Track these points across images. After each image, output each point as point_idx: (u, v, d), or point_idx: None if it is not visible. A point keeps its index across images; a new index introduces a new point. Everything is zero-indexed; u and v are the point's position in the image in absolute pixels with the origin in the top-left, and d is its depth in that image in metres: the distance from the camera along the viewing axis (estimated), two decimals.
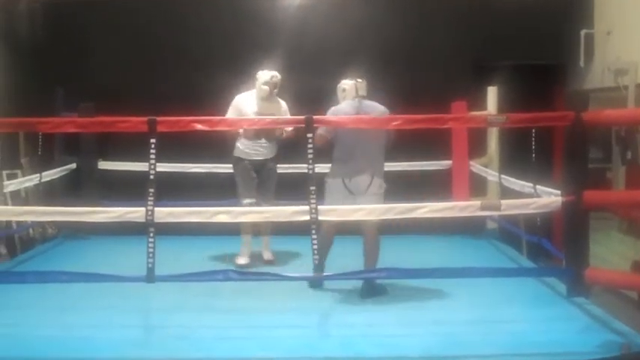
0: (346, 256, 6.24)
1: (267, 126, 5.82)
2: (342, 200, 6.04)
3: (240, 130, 7.05)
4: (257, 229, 7.35)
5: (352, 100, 6.40)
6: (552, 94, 9.53)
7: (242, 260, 7.38)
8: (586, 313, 5.61)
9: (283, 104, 7.23)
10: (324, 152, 6.14)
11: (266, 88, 7.00)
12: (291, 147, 6.92)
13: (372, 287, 6.15)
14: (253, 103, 7.10)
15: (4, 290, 6.04)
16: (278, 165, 7.46)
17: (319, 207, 5.33)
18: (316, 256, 5.38)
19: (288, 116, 7.01)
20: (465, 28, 9.18)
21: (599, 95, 8.51)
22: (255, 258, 7.49)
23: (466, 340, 5.06)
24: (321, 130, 6.13)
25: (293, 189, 6.31)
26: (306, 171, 5.28)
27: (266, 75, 7.03)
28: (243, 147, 7.23)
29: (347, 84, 6.51)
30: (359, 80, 6.46)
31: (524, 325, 5.40)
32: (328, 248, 6.38)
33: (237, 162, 7.30)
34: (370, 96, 6.49)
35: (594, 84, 8.93)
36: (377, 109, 6.33)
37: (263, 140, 7.17)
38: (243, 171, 7.24)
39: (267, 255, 7.51)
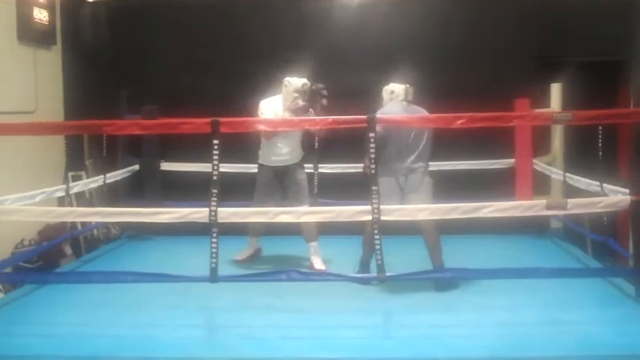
0: (396, 256, 6.19)
1: (328, 126, 5.82)
2: (393, 199, 6.07)
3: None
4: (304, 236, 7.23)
5: (400, 103, 6.47)
6: (617, 91, 9.35)
7: (239, 256, 7.46)
8: None
9: (310, 110, 7.17)
10: None
11: (297, 95, 6.97)
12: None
13: (445, 284, 6.20)
14: (280, 107, 7.00)
15: (69, 290, 6.17)
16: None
17: (382, 207, 5.32)
18: (379, 256, 5.37)
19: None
20: (528, 25, 9.02)
21: None
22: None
23: (532, 341, 4.98)
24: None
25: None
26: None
27: (298, 82, 6.93)
28: (265, 153, 7.18)
29: (397, 87, 6.56)
30: (409, 86, 6.53)
31: (592, 326, 5.29)
32: (372, 248, 6.41)
33: (260, 168, 7.24)
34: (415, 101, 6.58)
35: None
36: (423, 113, 6.42)
37: (283, 146, 7.07)
38: (263, 178, 7.19)
39: (317, 263, 7.16)
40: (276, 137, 7.00)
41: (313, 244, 7.18)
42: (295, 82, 6.93)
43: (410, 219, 5.65)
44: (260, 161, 7.25)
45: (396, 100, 6.51)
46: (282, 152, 7.10)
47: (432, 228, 6.24)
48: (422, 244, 6.33)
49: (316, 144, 7.90)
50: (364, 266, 6.55)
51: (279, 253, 7.73)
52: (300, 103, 6.85)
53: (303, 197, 7.13)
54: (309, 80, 6.97)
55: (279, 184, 7.17)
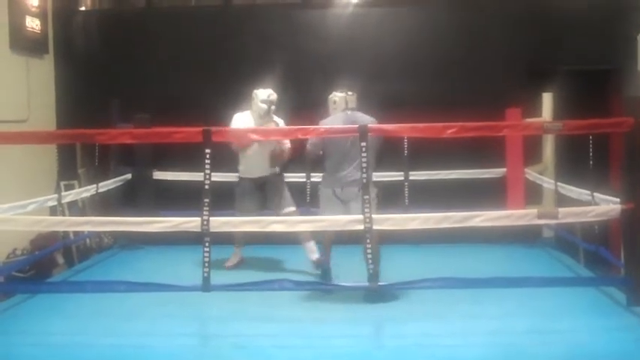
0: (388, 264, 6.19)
1: (320, 135, 5.84)
2: (335, 209, 6.09)
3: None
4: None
5: (342, 112, 6.41)
6: (608, 100, 9.38)
7: (229, 262, 7.56)
8: None
9: (280, 122, 7.25)
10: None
11: (264, 106, 7.05)
12: None
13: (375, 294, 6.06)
14: (250, 121, 7.15)
15: (62, 299, 6.15)
16: None
17: (374, 216, 5.33)
18: (371, 266, 5.38)
19: None
20: (519, 34, 9.08)
21: None
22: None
23: (523, 350, 4.98)
24: (308, 146, 6.37)
25: None
26: None
27: (263, 93, 7.09)
28: (243, 166, 7.34)
29: (337, 96, 6.53)
30: (349, 93, 6.48)
31: (583, 335, 5.29)
32: (329, 254, 6.49)
33: (240, 181, 7.39)
34: (361, 108, 6.56)
35: None
36: (366, 120, 6.26)
37: (262, 158, 7.21)
38: (243, 190, 7.34)
39: (313, 256, 7.25)
40: (253, 150, 7.13)
41: (308, 244, 7.26)
42: (261, 93, 7.10)
43: (401, 228, 5.63)
44: (240, 174, 7.37)
45: (338, 109, 6.47)
46: (261, 164, 7.23)
47: (374, 239, 6.01)
48: (415, 252, 6.33)
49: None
50: (325, 273, 6.51)
51: (272, 261, 7.74)
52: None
53: (286, 202, 7.27)
54: (274, 91, 7.13)
55: (259, 194, 7.31)
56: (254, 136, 5.70)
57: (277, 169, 7.36)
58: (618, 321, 5.59)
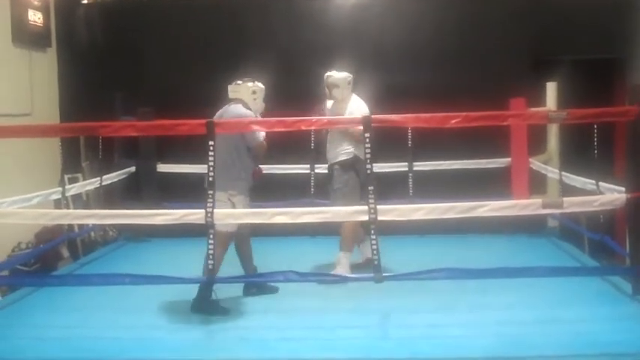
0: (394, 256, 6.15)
1: (324, 126, 5.81)
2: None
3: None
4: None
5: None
6: (613, 89, 9.35)
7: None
8: None
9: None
10: None
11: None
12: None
13: (202, 301, 5.77)
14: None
15: (67, 292, 6.17)
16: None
17: (378, 207, 5.32)
18: (376, 256, 5.36)
19: None
20: (523, 23, 9.03)
21: None
22: None
23: (529, 340, 4.99)
24: None
25: None
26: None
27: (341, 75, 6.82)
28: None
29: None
30: (237, 82, 6.19)
31: (589, 324, 5.30)
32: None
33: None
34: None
35: None
36: (231, 114, 5.99)
37: (328, 143, 6.90)
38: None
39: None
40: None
41: (341, 254, 6.76)
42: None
43: (405, 219, 5.58)
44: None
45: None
46: (329, 150, 6.95)
47: (223, 240, 5.78)
48: (420, 243, 6.31)
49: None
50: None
51: (277, 253, 7.72)
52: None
53: (333, 196, 6.88)
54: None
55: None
56: (256, 128, 5.65)
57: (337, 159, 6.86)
58: (624, 310, 5.60)
